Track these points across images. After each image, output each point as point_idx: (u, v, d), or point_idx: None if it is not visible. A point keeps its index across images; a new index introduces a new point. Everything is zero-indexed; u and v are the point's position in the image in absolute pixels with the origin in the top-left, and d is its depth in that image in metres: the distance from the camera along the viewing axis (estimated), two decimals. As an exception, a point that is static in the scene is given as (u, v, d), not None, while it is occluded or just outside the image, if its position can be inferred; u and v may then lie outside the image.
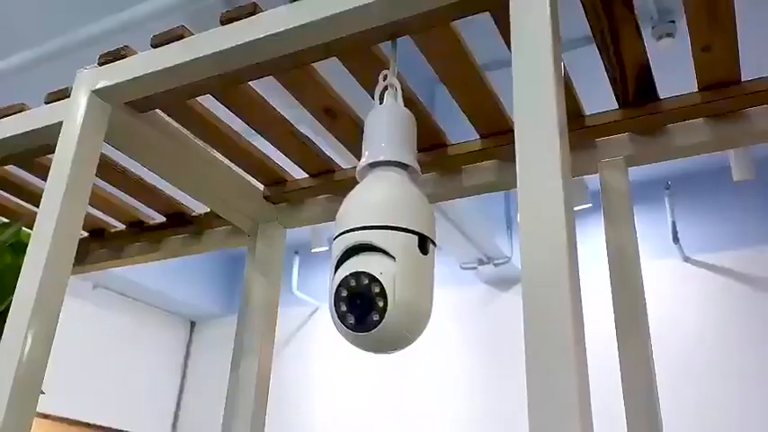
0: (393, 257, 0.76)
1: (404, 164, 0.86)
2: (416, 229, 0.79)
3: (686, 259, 3.76)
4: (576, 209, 3.84)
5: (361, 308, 0.77)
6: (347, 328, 0.78)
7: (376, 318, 0.76)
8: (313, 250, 4.74)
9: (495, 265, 4.09)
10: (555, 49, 0.71)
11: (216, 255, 5.11)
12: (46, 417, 4.28)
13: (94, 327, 4.73)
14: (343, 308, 0.79)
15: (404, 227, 0.78)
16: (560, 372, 0.59)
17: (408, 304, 0.76)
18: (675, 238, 3.70)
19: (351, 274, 0.77)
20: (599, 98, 1.22)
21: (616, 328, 1.02)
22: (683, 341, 3.57)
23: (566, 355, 0.59)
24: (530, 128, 0.69)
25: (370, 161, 0.86)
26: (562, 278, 0.62)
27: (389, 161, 0.86)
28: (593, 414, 0.62)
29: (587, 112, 1.12)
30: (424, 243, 0.80)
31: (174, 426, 5.21)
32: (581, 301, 0.63)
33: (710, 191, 3.80)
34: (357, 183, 0.88)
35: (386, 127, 0.89)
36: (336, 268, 0.80)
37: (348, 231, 0.80)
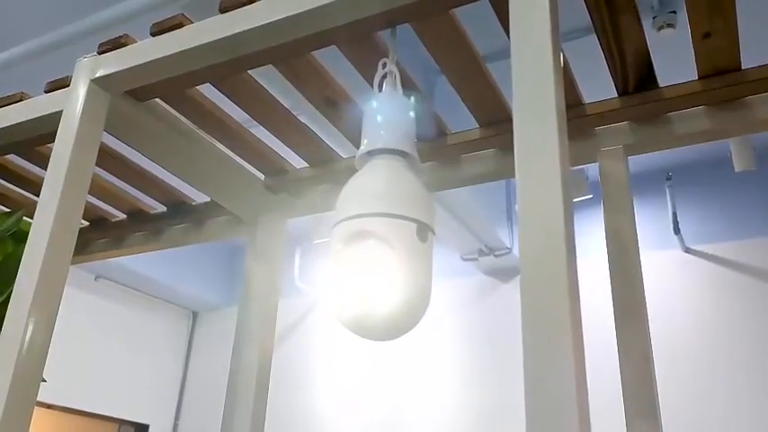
0: (391, 245, 0.77)
1: (402, 152, 0.86)
2: (414, 217, 0.79)
3: (687, 250, 3.76)
4: (576, 200, 3.78)
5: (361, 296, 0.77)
6: (347, 315, 0.79)
7: (375, 305, 0.76)
8: (315, 241, 4.74)
9: (496, 255, 4.09)
10: (554, 37, 0.71)
11: (218, 245, 5.11)
12: (49, 407, 4.30)
13: (97, 318, 4.74)
14: (345, 295, 0.79)
15: (402, 214, 0.78)
16: (557, 361, 0.59)
17: (406, 292, 0.77)
18: (676, 229, 3.70)
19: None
20: (599, 87, 1.21)
21: (615, 316, 1.03)
22: (684, 332, 3.57)
23: (563, 341, 0.59)
24: (528, 116, 0.68)
25: (369, 149, 0.86)
26: (560, 265, 0.62)
27: (388, 149, 0.86)
28: (590, 401, 0.62)
29: (587, 101, 1.12)
30: (423, 231, 0.80)
31: (176, 415, 5.23)
32: (578, 287, 0.63)
33: (711, 181, 3.80)
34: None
35: (384, 115, 0.89)
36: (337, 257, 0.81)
37: (347, 219, 0.81)
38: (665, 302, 3.64)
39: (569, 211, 0.65)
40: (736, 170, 3.26)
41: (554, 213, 0.64)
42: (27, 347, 0.90)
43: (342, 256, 0.80)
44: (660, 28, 2.78)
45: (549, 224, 0.64)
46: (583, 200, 3.53)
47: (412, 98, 0.93)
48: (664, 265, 3.74)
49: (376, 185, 0.83)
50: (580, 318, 0.63)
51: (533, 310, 0.61)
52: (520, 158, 0.67)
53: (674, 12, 2.78)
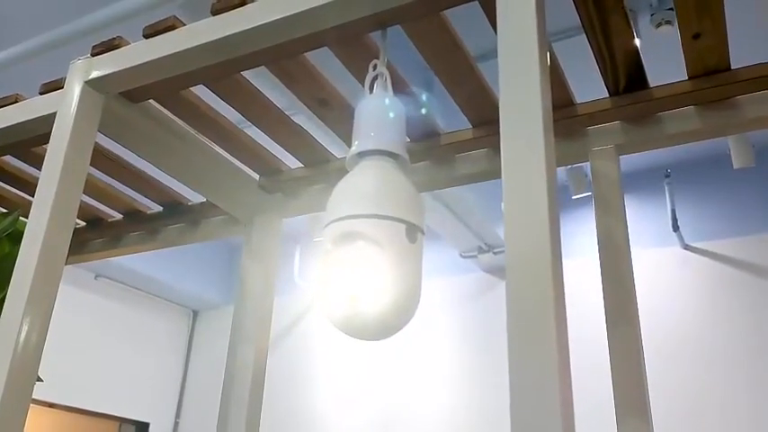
0: (381, 246, 0.77)
1: (392, 153, 0.87)
2: (404, 218, 0.80)
3: (686, 247, 3.76)
4: (575, 197, 3.73)
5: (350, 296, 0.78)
6: (337, 315, 0.79)
7: (364, 306, 0.77)
8: (315, 239, 4.75)
9: (495, 253, 4.10)
10: (540, 36, 0.71)
11: (218, 244, 5.12)
12: (51, 406, 4.31)
13: (97, 317, 4.75)
14: (335, 295, 0.80)
15: (391, 215, 0.79)
16: (541, 360, 0.59)
17: (395, 292, 0.77)
18: (675, 226, 3.70)
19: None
20: (592, 87, 1.22)
21: (606, 315, 1.03)
22: (682, 329, 3.57)
23: (547, 341, 0.60)
24: (515, 115, 0.69)
25: (359, 150, 0.87)
26: (545, 264, 0.62)
27: (378, 150, 0.86)
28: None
29: (580, 101, 1.13)
30: (412, 231, 0.81)
31: (177, 414, 5.25)
32: (563, 286, 0.64)
33: (710, 178, 3.79)
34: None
35: (374, 116, 0.90)
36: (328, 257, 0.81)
37: (337, 220, 0.81)
38: (664, 300, 3.64)
39: (555, 211, 0.66)
40: (734, 167, 3.26)
41: (539, 212, 0.64)
42: (22, 347, 0.90)
43: (332, 256, 0.81)
44: (659, 25, 2.78)
45: (534, 223, 0.64)
46: (582, 197, 3.53)
47: (402, 100, 0.93)
48: (662, 263, 3.74)
49: (365, 187, 0.83)
50: (565, 316, 0.63)
51: (519, 309, 0.62)
52: (506, 157, 0.67)
53: (672, 9, 2.78)
